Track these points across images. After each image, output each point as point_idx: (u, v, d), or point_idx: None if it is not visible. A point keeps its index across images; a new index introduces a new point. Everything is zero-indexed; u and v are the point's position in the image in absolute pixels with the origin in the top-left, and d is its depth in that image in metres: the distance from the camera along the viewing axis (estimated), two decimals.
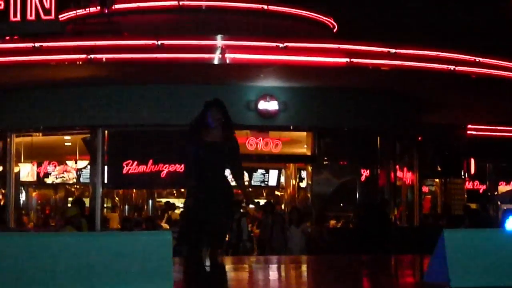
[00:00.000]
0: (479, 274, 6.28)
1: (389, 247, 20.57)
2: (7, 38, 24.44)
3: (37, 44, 22.46)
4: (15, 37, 24.45)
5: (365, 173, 26.94)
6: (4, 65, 22.97)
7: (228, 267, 12.03)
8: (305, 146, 26.24)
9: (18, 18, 25.21)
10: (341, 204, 27.03)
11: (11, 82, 24.13)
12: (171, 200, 26.64)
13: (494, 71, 25.27)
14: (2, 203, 25.74)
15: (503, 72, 25.50)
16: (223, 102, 12.78)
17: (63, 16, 27.17)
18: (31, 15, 25.08)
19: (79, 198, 22.47)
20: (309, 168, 26.09)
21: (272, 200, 26.32)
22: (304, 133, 26.13)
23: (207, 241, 11.52)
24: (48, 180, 26.98)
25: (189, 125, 12.51)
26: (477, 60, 24.84)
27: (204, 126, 12.24)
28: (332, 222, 26.36)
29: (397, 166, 27.93)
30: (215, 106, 12.53)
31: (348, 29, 32.52)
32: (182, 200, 26.36)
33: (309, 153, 25.98)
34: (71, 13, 27.64)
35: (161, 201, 27.15)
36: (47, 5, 24.90)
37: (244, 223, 22.07)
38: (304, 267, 12.47)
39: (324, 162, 26.20)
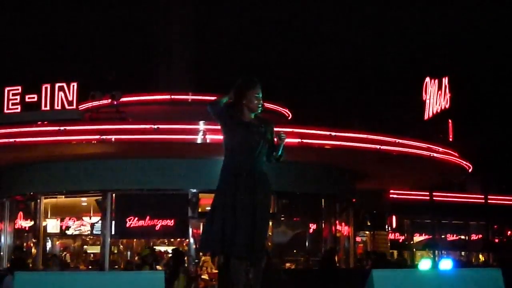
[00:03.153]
0: None
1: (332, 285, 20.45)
2: (39, 122, 24.40)
3: (61, 128, 22.42)
4: (45, 122, 24.42)
5: (312, 226, 26.90)
6: (37, 144, 22.89)
7: None
8: None
9: (48, 107, 25.26)
10: (294, 250, 26.89)
11: (42, 157, 24.03)
12: (161, 248, 26.36)
13: (409, 149, 25.44)
14: (25, 250, 25.44)
15: (416, 150, 25.68)
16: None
17: (82, 106, 27.26)
18: (57, 105, 25.17)
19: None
20: (270, 223, 25.99)
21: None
22: None
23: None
24: (69, 232, 26.75)
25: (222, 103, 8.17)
26: (396, 141, 25.00)
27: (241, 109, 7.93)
28: (287, 264, 26.19)
29: (337, 221, 27.92)
30: (259, 87, 7.94)
31: (299, 116, 32.73)
32: (171, 247, 26.26)
33: (271, 211, 25.86)
34: (88, 104, 27.78)
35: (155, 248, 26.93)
36: (70, 98, 25.05)
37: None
38: None
39: (282, 218, 26.11)
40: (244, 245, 7.46)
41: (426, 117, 32.39)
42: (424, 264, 21.19)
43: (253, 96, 7.87)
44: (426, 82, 32.60)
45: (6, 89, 26.07)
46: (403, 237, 39.83)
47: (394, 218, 38.11)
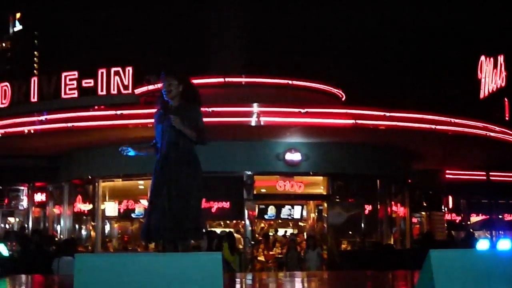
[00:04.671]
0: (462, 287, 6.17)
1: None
2: (96, 107, 24.63)
3: (118, 112, 22.60)
4: (102, 107, 24.64)
5: (368, 208, 26.76)
6: (93, 128, 23.13)
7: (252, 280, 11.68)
8: (322, 187, 26.10)
9: (104, 92, 25.48)
10: (350, 232, 26.80)
11: (98, 141, 24.27)
12: (217, 230, 26.50)
13: (464, 129, 25.11)
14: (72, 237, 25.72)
15: (471, 130, 25.34)
16: (177, 68, 8.61)
17: (138, 91, 27.40)
18: (113, 90, 25.35)
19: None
20: (325, 204, 25.93)
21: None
22: (321, 178, 26.00)
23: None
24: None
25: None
26: (452, 121, 24.68)
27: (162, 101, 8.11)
28: (343, 246, 26.13)
29: (393, 203, 27.73)
30: (164, 77, 8.08)
31: (353, 97, 32.55)
32: (227, 230, 26.37)
33: (325, 193, 25.84)
34: (144, 88, 27.92)
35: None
36: (125, 82, 25.18)
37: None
38: (319, 280, 12.27)
39: (336, 200, 26.02)
40: (156, 228, 7.61)
41: (481, 96, 31.92)
42: (482, 244, 20.95)
43: (164, 85, 8.07)
44: (481, 61, 32.11)
45: (63, 74, 26.37)
46: (459, 218, 39.45)
47: (450, 198, 37.76)
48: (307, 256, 21.19)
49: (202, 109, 8.20)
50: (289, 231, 27.49)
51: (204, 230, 8.44)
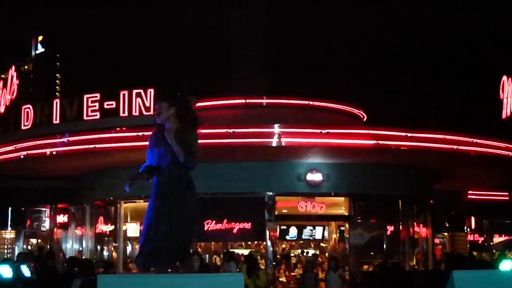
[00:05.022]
0: None
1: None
2: (117, 129, 24.73)
3: (139, 133, 22.66)
4: (123, 128, 24.72)
5: (390, 228, 26.63)
6: (116, 150, 23.24)
7: None
8: (344, 208, 26.03)
9: (126, 114, 25.56)
10: (372, 253, 26.67)
11: (120, 162, 24.35)
12: (239, 251, 26.47)
13: (487, 149, 25.00)
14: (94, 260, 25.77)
15: (494, 150, 25.22)
16: (170, 91, 8.61)
17: None
18: (135, 111, 25.43)
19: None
20: (347, 225, 25.85)
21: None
22: (343, 198, 25.94)
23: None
24: None
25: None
26: (474, 141, 24.57)
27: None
28: (365, 266, 26.00)
29: (415, 223, 27.59)
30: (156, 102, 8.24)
31: (374, 118, 32.52)
32: (250, 250, 26.33)
33: (346, 213, 25.76)
34: None
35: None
36: (147, 104, 25.26)
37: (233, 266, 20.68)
38: None
39: (358, 220, 25.93)
40: (147, 254, 7.52)
41: (504, 116, 31.72)
42: (505, 265, 20.74)
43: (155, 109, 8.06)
44: (503, 81, 31.92)
45: (85, 96, 26.51)
46: (482, 238, 39.16)
47: (473, 219, 37.51)
48: (328, 278, 21.09)
49: (200, 131, 8.28)
50: (311, 252, 27.40)
51: (191, 250, 8.30)
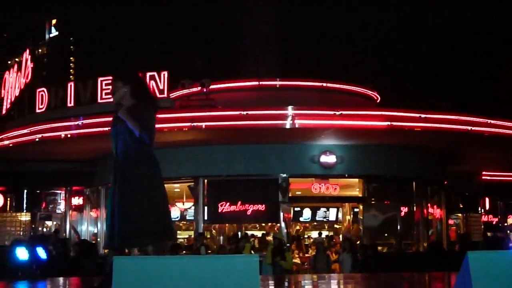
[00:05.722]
0: None
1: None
2: None
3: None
4: None
5: (404, 210, 26.59)
6: None
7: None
8: (357, 189, 26.01)
9: None
10: (386, 234, 26.66)
11: None
12: (254, 232, 26.51)
13: (501, 130, 24.88)
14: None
15: (509, 131, 25.10)
16: (124, 69, 8.29)
17: (173, 95, 27.53)
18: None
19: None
20: (361, 207, 25.84)
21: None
22: (356, 180, 25.91)
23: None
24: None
25: None
26: (488, 122, 24.47)
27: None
28: (379, 248, 25.99)
29: (429, 204, 27.54)
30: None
31: (388, 99, 32.39)
32: (262, 232, 26.38)
33: (360, 195, 25.74)
34: (179, 92, 28.03)
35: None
36: (161, 87, 25.28)
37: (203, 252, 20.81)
38: (355, 282, 12.19)
39: (372, 202, 25.92)
40: (109, 236, 7.36)
41: None
42: None
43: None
44: None
45: (99, 79, 26.54)
46: (496, 219, 39.07)
47: (487, 200, 37.41)
48: (341, 259, 21.10)
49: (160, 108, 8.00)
50: (324, 233, 27.42)
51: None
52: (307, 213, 26.17)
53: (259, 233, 26.55)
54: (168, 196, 7.74)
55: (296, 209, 25.83)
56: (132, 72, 8.08)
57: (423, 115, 23.27)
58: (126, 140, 7.51)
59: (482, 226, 36.01)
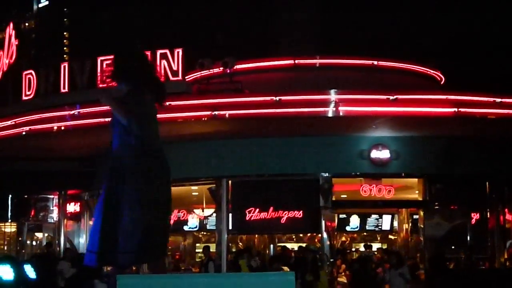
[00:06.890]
0: None
1: None
2: None
3: (166, 103, 22.65)
4: None
5: (475, 216, 26.47)
6: None
7: None
8: (417, 191, 25.93)
9: None
10: (453, 247, 26.56)
11: None
12: (289, 245, 26.54)
13: None
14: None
15: None
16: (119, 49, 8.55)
17: (189, 77, 27.52)
18: (160, 76, 25.46)
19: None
20: (421, 213, 25.76)
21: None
22: (416, 180, 25.84)
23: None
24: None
25: None
26: None
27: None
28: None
29: (506, 210, 27.37)
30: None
31: (455, 81, 32.25)
32: (299, 245, 26.37)
33: (420, 199, 25.67)
34: (196, 74, 28.00)
35: (280, 246, 27.09)
36: (174, 67, 25.27)
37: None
38: None
39: (435, 207, 25.83)
40: (101, 252, 7.47)
41: None
42: None
43: None
44: None
45: (99, 59, 26.49)
46: None
47: None
48: (389, 277, 21.02)
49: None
50: (376, 246, 27.39)
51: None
52: (354, 221, 26.18)
53: (295, 246, 26.56)
54: (171, 204, 8.00)
55: (341, 216, 25.82)
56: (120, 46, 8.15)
57: (498, 99, 23.14)
58: (120, 134, 7.62)
59: None
